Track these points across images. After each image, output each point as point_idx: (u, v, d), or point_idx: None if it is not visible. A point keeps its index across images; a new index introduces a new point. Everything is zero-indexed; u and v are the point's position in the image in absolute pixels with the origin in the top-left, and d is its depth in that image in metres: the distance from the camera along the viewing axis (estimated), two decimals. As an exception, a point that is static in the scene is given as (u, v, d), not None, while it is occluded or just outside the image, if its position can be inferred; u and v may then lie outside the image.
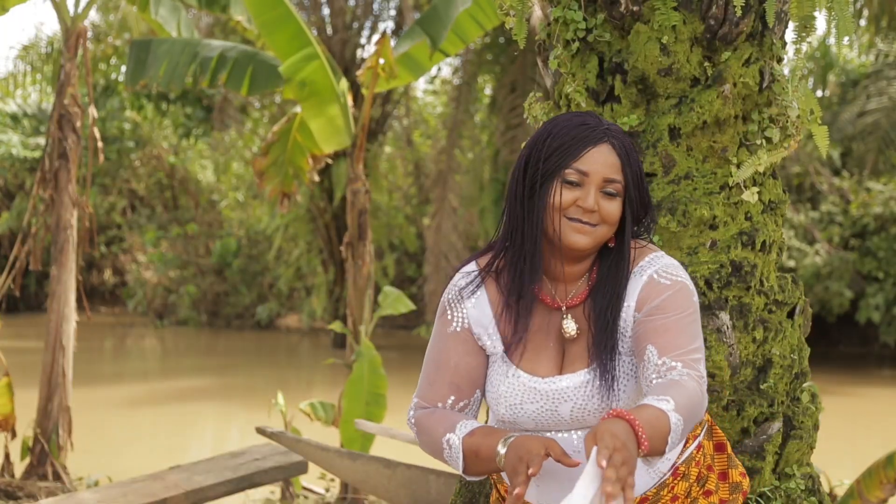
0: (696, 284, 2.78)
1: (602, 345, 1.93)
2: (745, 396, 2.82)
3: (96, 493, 4.40)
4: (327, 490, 6.35)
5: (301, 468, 5.01)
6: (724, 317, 2.79)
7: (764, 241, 2.88)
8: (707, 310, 2.78)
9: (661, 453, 1.70)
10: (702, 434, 2.07)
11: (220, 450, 7.79)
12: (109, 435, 9.30)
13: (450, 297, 2.05)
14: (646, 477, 1.99)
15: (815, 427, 2.97)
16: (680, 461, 2.01)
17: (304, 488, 6.37)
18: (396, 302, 6.11)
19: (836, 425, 8.32)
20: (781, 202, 2.97)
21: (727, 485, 2.09)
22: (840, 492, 5.14)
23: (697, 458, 2.04)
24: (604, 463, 1.55)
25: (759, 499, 2.82)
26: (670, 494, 2.01)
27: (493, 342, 2.02)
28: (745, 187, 2.85)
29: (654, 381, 1.81)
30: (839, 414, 9.49)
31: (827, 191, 15.58)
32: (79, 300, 6.47)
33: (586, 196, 1.92)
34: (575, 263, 1.99)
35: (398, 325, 18.13)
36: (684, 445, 2.03)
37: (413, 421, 2.06)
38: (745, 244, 2.84)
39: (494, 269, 2.02)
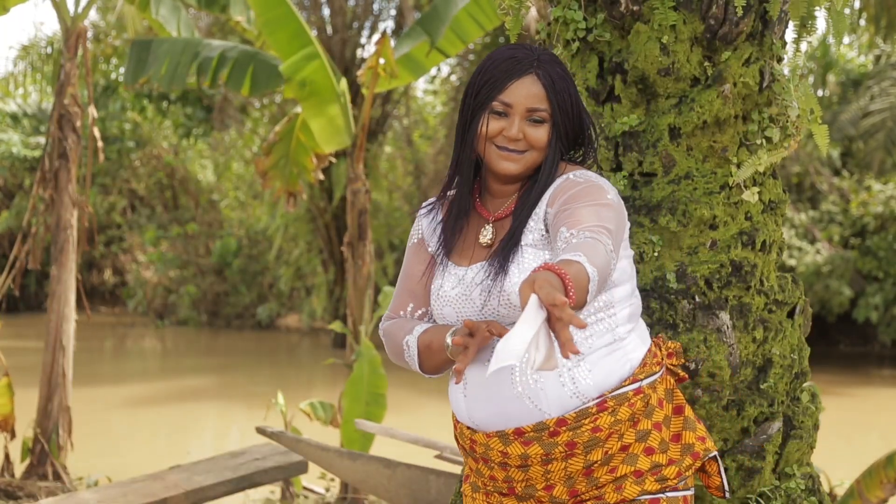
0: (696, 284, 2.78)
1: (508, 235, 2.09)
2: (745, 396, 2.82)
3: (96, 493, 4.41)
4: (327, 490, 6.35)
5: (301, 468, 5.01)
6: (724, 316, 2.79)
7: (764, 241, 2.88)
8: (707, 309, 2.78)
9: (583, 306, 1.78)
10: (645, 381, 2.09)
11: (220, 450, 7.79)
12: (109, 435, 9.30)
13: (418, 214, 2.30)
14: (567, 398, 2.03)
15: (816, 427, 2.97)
16: (610, 394, 2.04)
17: (305, 488, 6.38)
18: (396, 302, 6.10)
19: (836, 425, 8.32)
20: (781, 202, 2.97)
21: (679, 445, 2.11)
22: (840, 492, 5.15)
23: (633, 401, 2.06)
24: (551, 301, 1.61)
25: (759, 499, 2.83)
26: (592, 424, 2.03)
27: (436, 245, 2.22)
28: (746, 187, 2.85)
29: (564, 248, 1.90)
30: (839, 414, 9.49)
31: (827, 190, 15.59)
32: (78, 300, 6.47)
33: (510, 126, 2.08)
34: (508, 182, 2.16)
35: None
36: (621, 383, 2.06)
37: (381, 332, 2.25)
38: (745, 244, 2.84)
39: (445, 187, 2.23)
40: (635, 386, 2.08)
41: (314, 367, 14.67)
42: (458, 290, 2.11)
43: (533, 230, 2.08)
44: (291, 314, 20.18)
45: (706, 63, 2.81)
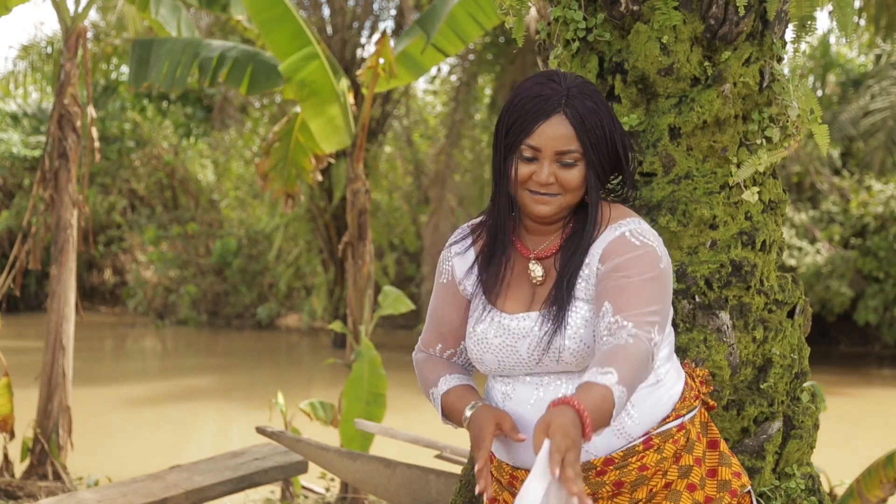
0: (696, 284, 2.78)
1: (560, 288, 2.02)
2: (746, 396, 2.82)
3: (96, 493, 4.40)
4: (327, 490, 6.35)
5: (301, 468, 5.01)
6: (724, 316, 2.79)
7: (764, 241, 2.88)
8: (707, 309, 2.78)
9: (607, 425, 1.77)
10: (687, 416, 2.08)
11: (221, 450, 7.79)
12: (109, 435, 9.30)
13: (443, 252, 2.21)
14: (613, 439, 2.01)
15: (816, 426, 2.97)
16: (654, 431, 2.03)
17: (304, 488, 6.38)
18: (396, 302, 6.11)
19: (836, 425, 8.31)
20: (781, 202, 2.97)
21: (715, 482, 2.10)
22: (840, 491, 5.15)
23: (677, 438, 2.05)
24: (556, 471, 1.61)
25: (759, 499, 2.83)
26: (638, 463, 2.02)
27: (473, 287, 2.15)
28: (746, 187, 2.85)
29: (604, 339, 1.87)
30: (839, 414, 9.49)
31: (827, 190, 15.59)
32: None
33: (540, 170, 1.99)
34: (546, 223, 2.09)
35: (398, 324, 18.14)
36: (664, 420, 2.05)
37: (414, 361, 2.25)
38: (745, 244, 2.84)
39: (483, 227, 2.16)
40: (678, 422, 2.07)
41: (314, 367, 14.67)
42: (502, 339, 2.06)
43: (584, 283, 2.02)
44: (291, 314, 20.18)
45: (706, 63, 2.81)
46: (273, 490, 6.39)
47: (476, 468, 1.89)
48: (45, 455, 6.22)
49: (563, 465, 1.61)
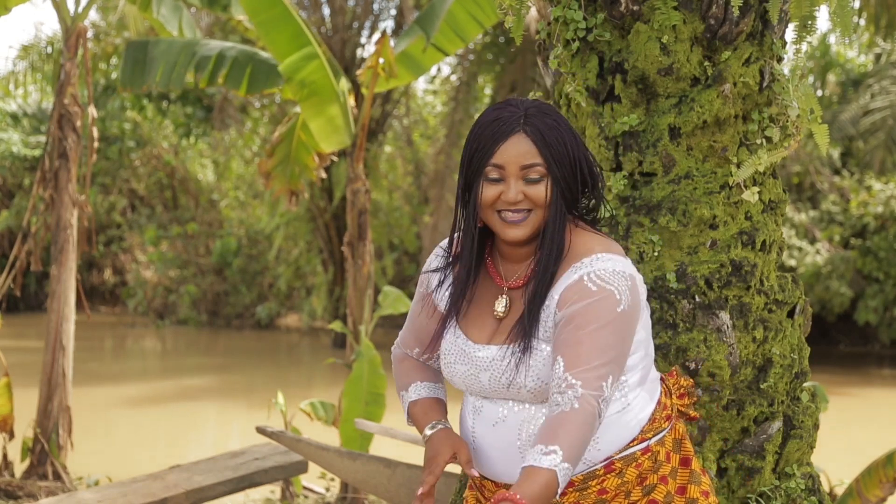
0: (696, 284, 2.78)
1: (520, 329, 2.01)
2: (745, 396, 2.82)
3: (96, 493, 4.40)
4: (327, 490, 6.35)
5: (301, 468, 5.01)
6: (724, 316, 2.79)
7: (764, 241, 2.88)
8: (707, 309, 2.78)
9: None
10: (653, 439, 2.06)
11: (221, 450, 7.79)
12: (109, 435, 9.30)
13: (427, 262, 2.22)
14: None
15: (816, 426, 2.97)
16: (617, 455, 2.02)
17: (305, 488, 6.38)
18: (396, 302, 6.11)
19: (836, 425, 8.31)
20: (781, 201, 2.97)
21: (683, 499, 2.09)
22: (840, 491, 5.15)
23: (641, 461, 2.03)
24: None
25: (759, 498, 2.83)
26: (598, 486, 2.01)
27: (445, 305, 2.15)
28: (746, 187, 2.85)
29: (554, 397, 1.89)
30: (839, 414, 9.49)
31: (827, 190, 15.59)
32: (78, 300, 6.47)
33: (508, 189, 1.98)
34: (521, 247, 2.07)
35: (398, 324, 18.09)
36: (629, 444, 2.03)
37: (392, 356, 2.29)
38: (745, 244, 2.84)
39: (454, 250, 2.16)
40: (643, 445, 2.05)
41: (314, 367, 14.67)
42: (465, 366, 2.08)
43: (543, 325, 2.01)
44: (291, 314, 20.18)
45: (706, 63, 2.81)
46: (273, 490, 6.39)
47: (420, 491, 1.94)
48: (45, 455, 6.22)
49: None
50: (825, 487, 4.13)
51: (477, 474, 2.01)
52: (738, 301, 2.83)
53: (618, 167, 2.88)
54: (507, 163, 1.98)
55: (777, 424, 2.85)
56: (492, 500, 1.77)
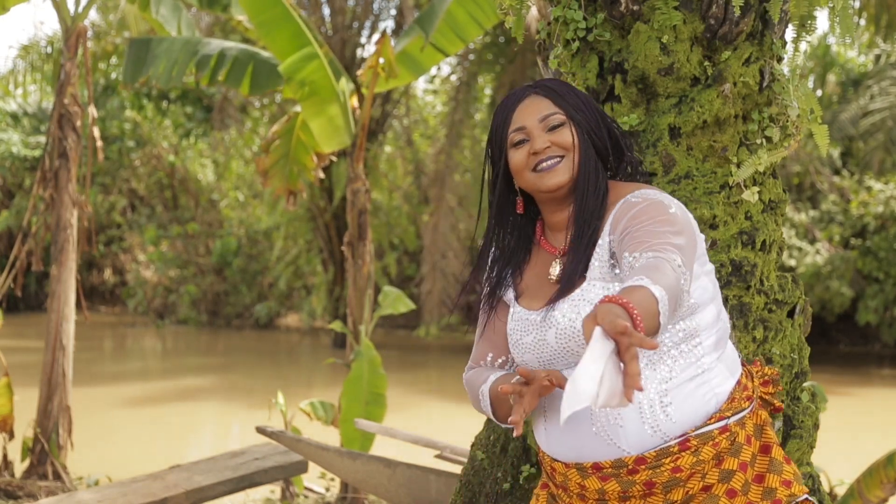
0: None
1: (569, 267, 2.02)
2: (746, 396, 2.82)
3: (96, 493, 4.40)
4: (327, 490, 6.35)
5: (301, 468, 5.01)
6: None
7: (764, 241, 2.88)
8: (707, 309, 2.78)
9: (656, 332, 1.69)
10: (732, 418, 1.97)
11: (221, 450, 7.79)
12: (109, 435, 9.30)
13: (490, 262, 2.22)
14: (647, 436, 1.93)
15: (816, 426, 2.97)
16: (693, 433, 1.94)
17: (305, 488, 6.38)
18: (396, 301, 6.11)
19: (836, 425, 8.31)
20: (781, 201, 2.97)
21: (761, 488, 1.99)
22: (840, 491, 5.15)
23: (718, 440, 1.95)
24: (617, 339, 1.54)
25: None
26: (672, 464, 1.93)
27: (508, 294, 2.17)
28: (746, 187, 2.85)
29: (629, 272, 1.84)
30: (839, 413, 9.49)
31: (827, 190, 15.59)
32: (77, 300, 6.47)
33: (533, 141, 2.05)
34: (562, 209, 2.09)
35: (398, 324, 18.14)
36: (706, 420, 1.95)
37: (464, 381, 2.20)
38: (745, 243, 2.84)
39: (499, 243, 2.18)
40: (721, 424, 1.96)
41: (314, 367, 14.68)
42: (532, 336, 2.05)
43: (598, 262, 1.99)
44: (291, 314, 20.19)
45: (706, 63, 2.81)
46: (273, 490, 6.39)
47: (511, 418, 1.83)
48: (45, 455, 6.22)
49: (619, 332, 1.53)
50: (825, 487, 4.14)
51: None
52: (738, 301, 2.83)
53: (618, 167, 2.88)
54: (525, 121, 2.06)
55: (777, 424, 2.85)
56: (598, 302, 1.64)
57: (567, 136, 2.04)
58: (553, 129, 2.04)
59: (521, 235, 2.15)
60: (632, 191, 2.05)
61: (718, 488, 1.96)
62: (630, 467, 1.93)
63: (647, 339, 1.53)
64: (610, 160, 2.13)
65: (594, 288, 1.98)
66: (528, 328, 2.06)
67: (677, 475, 1.93)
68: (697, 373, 1.96)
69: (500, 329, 2.17)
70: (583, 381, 1.50)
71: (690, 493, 1.95)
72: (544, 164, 2.04)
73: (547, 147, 2.04)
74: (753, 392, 2.07)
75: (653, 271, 1.74)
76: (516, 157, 2.06)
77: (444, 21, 6.21)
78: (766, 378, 2.17)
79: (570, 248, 2.03)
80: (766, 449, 2.04)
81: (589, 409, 1.93)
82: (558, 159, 2.04)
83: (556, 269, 2.08)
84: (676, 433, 1.93)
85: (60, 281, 6.37)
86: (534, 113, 2.05)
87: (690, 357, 1.96)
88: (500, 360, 2.17)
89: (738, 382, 2.03)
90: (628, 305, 1.60)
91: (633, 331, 1.53)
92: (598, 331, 1.56)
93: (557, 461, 2.04)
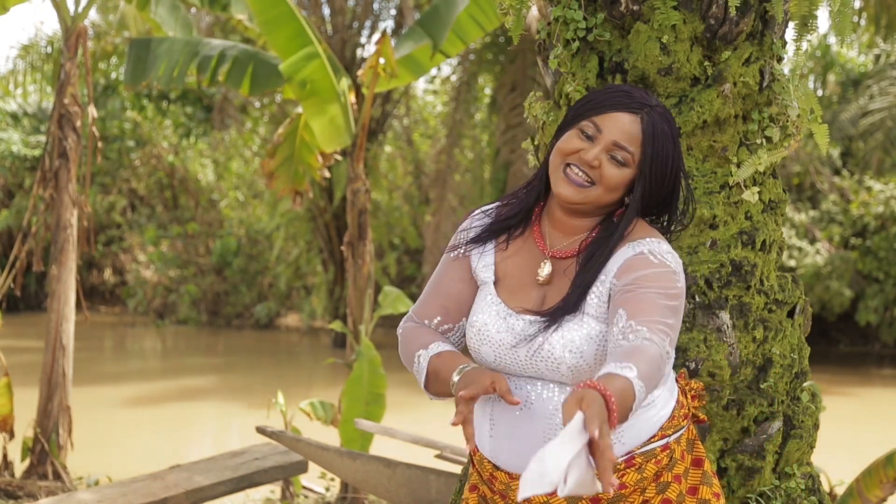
0: (696, 284, 2.78)
1: (569, 297, 1.96)
2: (745, 396, 2.82)
3: (96, 493, 4.40)
4: (327, 489, 6.35)
5: (301, 468, 5.01)
6: (724, 316, 2.79)
7: (764, 241, 2.88)
8: (707, 309, 2.78)
9: (624, 421, 1.71)
10: (673, 436, 2.03)
11: (220, 450, 7.79)
12: (109, 435, 9.30)
13: (462, 226, 2.15)
14: None
15: (816, 426, 2.97)
16: (638, 451, 1.98)
17: (305, 488, 6.38)
18: (397, 301, 6.11)
19: (836, 425, 8.31)
20: (781, 201, 2.97)
21: (695, 500, 2.06)
22: (840, 491, 5.15)
23: (660, 458, 2.00)
24: (596, 432, 1.54)
25: (759, 498, 2.83)
26: (618, 481, 1.93)
27: (486, 271, 2.08)
28: (746, 187, 2.85)
29: (618, 342, 1.82)
30: (839, 414, 9.49)
31: (827, 190, 15.59)
32: (77, 300, 6.47)
33: (590, 149, 1.95)
34: (573, 217, 2.03)
35: (398, 324, 18.11)
36: (649, 439, 2.00)
37: (400, 331, 2.14)
38: (745, 243, 2.84)
39: (506, 203, 2.10)
40: (663, 442, 2.01)
41: (314, 367, 14.67)
42: (503, 336, 2.00)
43: (597, 299, 1.96)
44: (291, 314, 20.19)
45: (706, 63, 2.81)
46: (273, 490, 6.39)
47: (453, 420, 1.79)
48: (45, 455, 6.22)
49: (600, 434, 1.54)
50: (825, 487, 4.13)
51: (518, 401, 1.84)
52: (738, 301, 2.83)
53: (618, 167, 2.88)
54: (606, 129, 1.95)
55: (777, 424, 2.85)
56: (576, 386, 1.63)
57: (615, 176, 1.95)
58: (614, 159, 1.95)
59: (528, 208, 2.08)
60: (646, 236, 1.99)
61: (655, 500, 2.01)
62: None
63: (613, 453, 1.55)
64: (653, 209, 2.06)
65: (585, 325, 1.95)
66: (502, 327, 2.01)
67: (622, 491, 1.98)
68: (647, 403, 2.00)
69: (454, 294, 2.09)
70: (550, 464, 1.49)
71: None
72: (575, 176, 1.96)
73: (593, 166, 1.95)
74: (688, 409, 2.12)
75: (641, 358, 1.75)
76: (571, 141, 1.97)
77: (439, 18, 6.22)
78: (693, 392, 2.19)
79: (577, 274, 1.98)
80: (697, 462, 2.09)
81: (546, 424, 1.96)
82: (588, 183, 1.96)
83: (545, 270, 2.02)
84: (622, 452, 1.98)
85: (60, 281, 6.37)
86: (619, 132, 1.95)
87: None
88: (445, 327, 2.10)
89: (677, 401, 2.08)
90: (610, 400, 1.60)
91: (608, 438, 1.55)
92: (578, 418, 1.55)
93: (501, 470, 2.03)
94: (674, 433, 2.03)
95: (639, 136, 1.95)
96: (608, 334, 1.91)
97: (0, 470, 6.22)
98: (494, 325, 2.02)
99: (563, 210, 2.03)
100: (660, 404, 2.03)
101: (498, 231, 2.10)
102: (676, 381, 2.16)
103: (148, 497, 4.30)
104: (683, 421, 2.07)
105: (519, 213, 2.07)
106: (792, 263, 14.42)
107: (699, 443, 2.12)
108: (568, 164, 1.97)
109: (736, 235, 2.84)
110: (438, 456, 4.49)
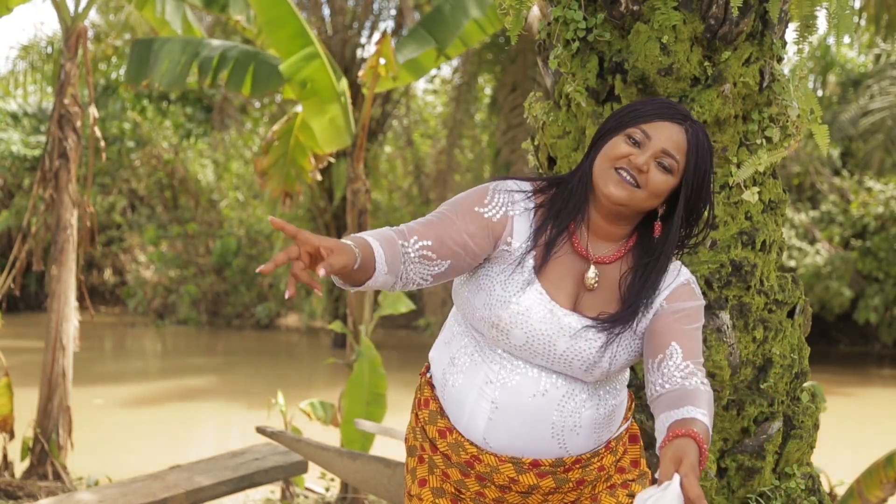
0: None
1: (625, 312, 2.05)
2: (746, 396, 2.82)
3: (96, 493, 4.40)
4: (327, 490, 6.35)
5: (301, 468, 5.02)
6: (725, 316, 2.79)
7: (764, 241, 2.88)
8: (707, 309, 2.78)
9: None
10: (631, 418, 2.24)
11: (221, 450, 7.79)
12: (109, 435, 9.30)
13: (499, 188, 2.08)
14: (589, 442, 2.11)
15: (816, 426, 2.97)
16: (613, 436, 2.17)
17: (305, 488, 6.38)
18: (396, 301, 6.11)
19: (836, 425, 8.31)
20: (781, 202, 2.97)
21: (637, 470, 2.24)
22: (840, 491, 5.15)
23: (623, 438, 2.21)
24: (692, 493, 1.69)
25: (759, 498, 2.83)
26: (598, 463, 2.14)
27: (522, 251, 2.06)
28: (746, 187, 2.85)
29: (677, 379, 1.96)
30: (839, 414, 9.49)
31: (827, 190, 15.59)
32: (80, 299, 6.48)
33: (641, 154, 1.99)
34: (613, 223, 2.07)
35: (398, 324, 18.13)
36: (621, 423, 2.20)
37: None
38: (745, 244, 2.84)
39: (542, 191, 2.10)
40: (626, 425, 2.23)
41: (314, 367, 14.67)
42: (545, 325, 2.03)
43: (645, 320, 2.08)
44: (291, 314, 20.19)
45: (706, 63, 2.81)
46: (273, 490, 6.39)
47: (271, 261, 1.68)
48: (45, 455, 6.22)
49: (696, 499, 1.69)
50: (825, 487, 4.14)
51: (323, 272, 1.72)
52: (738, 301, 2.83)
53: (618, 167, 2.88)
54: (655, 136, 2.00)
55: (777, 424, 2.85)
56: (676, 430, 1.80)
57: (661, 183, 2.01)
58: (659, 166, 2.01)
59: (578, 206, 2.08)
60: (680, 264, 2.14)
61: (616, 476, 2.21)
62: (567, 466, 2.10)
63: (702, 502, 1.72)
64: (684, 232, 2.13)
65: (633, 342, 2.08)
66: (546, 317, 2.03)
67: (601, 472, 2.16)
68: (624, 398, 2.22)
69: (458, 240, 1.99)
70: None
71: (601, 487, 2.18)
72: (626, 176, 2.00)
73: (642, 170, 1.99)
74: (632, 393, 2.33)
75: (708, 405, 1.93)
76: (619, 146, 2.00)
77: (446, 23, 6.22)
78: None
79: (630, 293, 2.06)
80: (634, 438, 2.26)
81: (554, 412, 2.06)
82: (635, 185, 2.00)
83: (592, 273, 2.06)
84: (605, 440, 2.16)
85: (60, 281, 6.37)
86: (667, 140, 2.00)
87: (620, 390, 2.18)
88: (425, 252, 1.97)
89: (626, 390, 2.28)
90: (704, 450, 1.79)
91: (699, 498, 1.70)
92: (677, 481, 1.71)
93: (488, 453, 2.08)
94: (631, 414, 2.25)
95: (684, 146, 2.01)
96: (653, 357, 2.02)
97: (0, 470, 6.22)
98: (538, 313, 2.03)
99: (603, 215, 2.06)
100: (624, 394, 2.21)
101: (547, 217, 2.08)
102: None
103: (148, 497, 4.30)
104: (631, 403, 2.27)
105: (571, 208, 2.07)
106: (792, 263, 14.42)
107: (630, 414, 2.27)
108: (616, 169, 2.01)
109: (736, 236, 2.84)
110: (438, 456, 4.49)
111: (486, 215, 2.04)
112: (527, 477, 2.08)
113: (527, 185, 2.11)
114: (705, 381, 1.99)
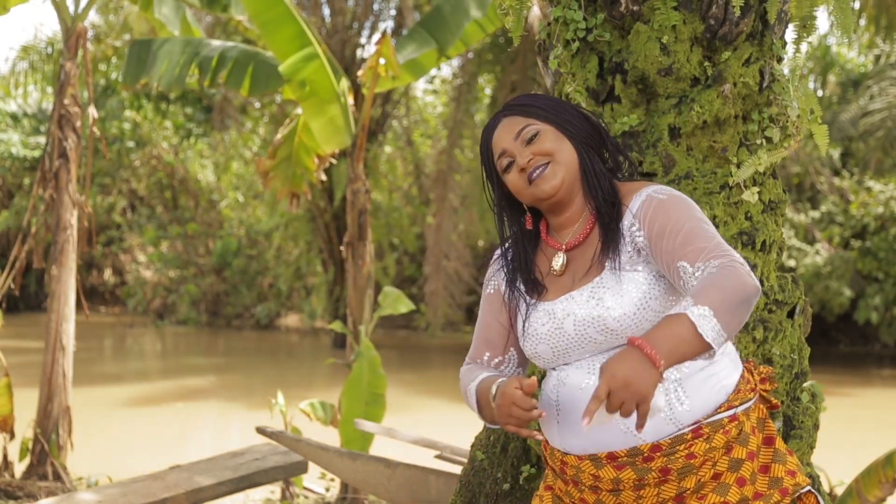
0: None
1: (597, 260, 2.10)
2: (745, 396, 2.82)
3: (96, 493, 4.41)
4: (327, 490, 6.35)
5: (301, 468, 5.02)
6: (724, 316, 2.79)
7: (764, 241, 2.88)
8: (707, 309, 2.78)
9: (694, 355, 1.84)
10: (740, 407, 2.08)
11: (221, 450, 7.79)
12: (109, 435, 9.30)
13: (491, 262, 2.30)
14: (662, 424, 2.02)
15: (816, 426, 2.97)
16: (705, 420, 2.04)
17: (305, 488, 6.38)
18: (396, 302, 6.11)
19: (836, 425, 8.31)
20: (781, 202, 2.97)
21: (767, 478, 2.07)
22: (840, 491, 5.15)
23: (728, 428, 2.05)
24: (586, 419, 1.76)
25: (759, 498, 2.82)
26: (686, 451, 2.02)
27: (514, 294, 2.23)
28: (745, 187, 2.85)
29: (692, 287, 1.94)
30: (839, 414, 9.49)
31: (827, 190, 15.60)
32: (77, 300, 6.48)
33: (517, 159, 2.13)
34: (561, 211, 2.17)
35: (398, 324, 18.14)
36: (716, 409, 2.05)
37: (460, 375, 2.25)
38: (745, 244, 2.84)
39: (507, 245, 2.28)
40: (730, 413, 2.06)
41: (314, 367, 14.68)
42: (548, 325, 2.12)
43: (625, 255, 2.08)
44: (291, 314, 20.19)
45: (706, 63, 2.81)
46: (273, 490, 6.39)
47: (521, 432, 1.94)
48: (45, 455, 6.22)
49: (610, 404, 1.76)
50: (825, 487, 4.14)
51: (537, 409, 1.95)
52: (738, 301, 2.83)
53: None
54: (504, 143, 2.15)
55: (777, 424, 2.85)
56: (626, 346, 1.82)
57: (544, 143, 2.12)
58: (530, 141, 2.12)
59: (530, 241, 2.24)
60: (643, 187, 2.13)
61: (728, 476, 2.04)
62: (645, 455, 2.02)
63: (640, 417, 1.80)
64: (606, 157, 2.20)
65: (624, 280, 2.07)
66: (545, 318, 2.12)
67: (691, 461, 2.02)
68: (706, 364, 2.07)
69: (497, 327, 2.23)
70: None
71: (702, 480, 2.03)
72: (534, 175, 2.11)
73: (530, 159, 2.11)
74: (755, 386, 2.17)
75: (702, 284, 1.89)
76: (512, 181, 2.14)
77: (446, 24, 6.22)
78: (763, 376, 2.24)
79: (602, 238, 2.10)
80: (769, 441, 2.12)
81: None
82: (544, 166, 2.11)
83: (558, 262, 2.16)
84: (689, 421, 2.03)
85: (60, 281, 6.37)
86: (509, 133, 2.14)
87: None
88: (496, 360, 2.23)
89: (742, 376, 2.13)
90: (644, 347, 1.79)
91: (614, 406, 1.78)
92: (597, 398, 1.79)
93: (570, 454, 2.11)
94: (741, 405, 2.08)
95: (519, 118, 2.15)
96: (682, 286, 2.00)
97: (0, 470, 6.22)
98: (538, 320, 2.14)
99: (550, 211, 2.18)
100: (723, 374, 2.09)
101: (515, 269, 2.23)
102: (745, 362, 2.22)
103: (148, 497, 4.30)
104: (751, 394, 2.12)
105: (521, 246, 2.23)
106: (792, 263, 14.43)
107: (770, 422, 2.15)
108: (528, 183, 2.13)
109: (736, 236, 2.84)
110: (438, 456, 4.49)
111: (491, 292, 2.26)
112: (606, 471, 2.05)
113: (499, 251, 2.29)
114: (721, 261, 1.92)
